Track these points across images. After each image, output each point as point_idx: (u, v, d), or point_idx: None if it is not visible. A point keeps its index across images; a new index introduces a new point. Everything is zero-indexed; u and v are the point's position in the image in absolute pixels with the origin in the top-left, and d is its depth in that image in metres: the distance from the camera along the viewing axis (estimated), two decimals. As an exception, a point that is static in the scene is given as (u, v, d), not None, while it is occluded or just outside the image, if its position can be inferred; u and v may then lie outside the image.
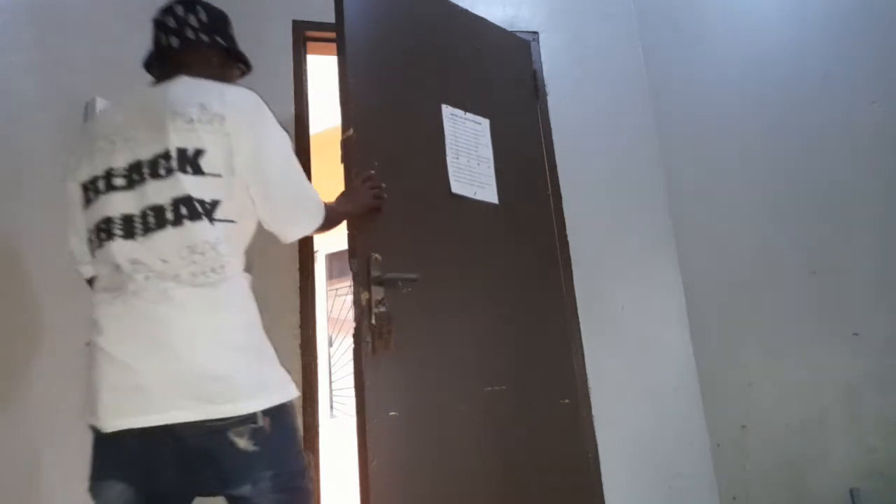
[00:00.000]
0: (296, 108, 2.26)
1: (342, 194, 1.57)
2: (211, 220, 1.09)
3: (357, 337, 1.55)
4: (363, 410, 1.49)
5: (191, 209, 1.07)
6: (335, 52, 2.51)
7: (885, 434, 2.09)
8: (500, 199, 2.03)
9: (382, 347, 1.53)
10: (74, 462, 1.13)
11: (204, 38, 1.32)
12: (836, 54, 2.38)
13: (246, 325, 1.13)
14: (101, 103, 1.79)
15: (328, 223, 1.39)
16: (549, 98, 2.50)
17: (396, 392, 1.59)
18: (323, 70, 2.51)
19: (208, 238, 1.08)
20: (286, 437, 1.12)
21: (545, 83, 2.51)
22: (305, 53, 2.36)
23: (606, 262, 2.41)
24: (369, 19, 1.84)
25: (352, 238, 1.61)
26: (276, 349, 2.05)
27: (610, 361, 2.29)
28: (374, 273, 1.55)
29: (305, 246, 2.12)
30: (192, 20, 1.31)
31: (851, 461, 2.11)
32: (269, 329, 2.01)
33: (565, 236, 2.36)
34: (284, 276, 2.09)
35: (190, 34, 1.29)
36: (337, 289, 5.57)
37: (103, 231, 1.12)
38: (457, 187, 1.91)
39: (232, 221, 1.13)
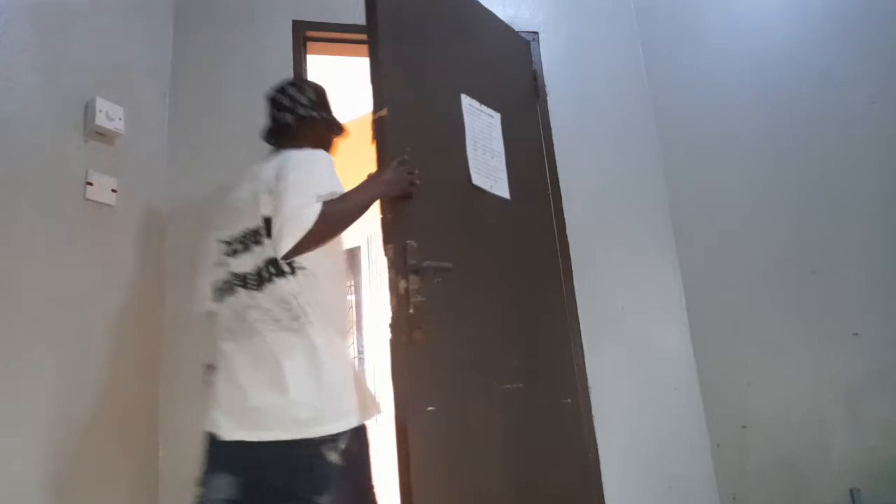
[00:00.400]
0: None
1: (371, 176, 1.51)
2: (290, 273, 1.35)
3: (395, 328, 1.45)
4: (403, 406, 1.40)
5: (277, 268, 1.36)
6: (335, 51, 2.53)
7: (886, 434, 2.08)
8: (511, 194, 2.00)
9: (422, 339, 1.44)
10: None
11: (314, 114, 1.59)
12: (836, 54, 2.37)
13: (329, 365, 1.34)
14: (101, 103, 1.79)
15: (350, 212, 1.36)
16: (549, 98, 2.50)
17: (433, 387, 1.50)
18: (323, 70, 2.52)
19: (292, 290, 1.35)
20: (364, 454, 1.40)
21: (545, 83, 2.51)
22: (305, 53, 2.36)
23: (606, 263, 2.41)
24: (397, 5, 1.78)
25: (386, 223, 1.52)
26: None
27: (610, 361, 2.29)
28: (411, 261, 1.47)
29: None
30: (303, 99, 1.59)
31: (851, 461, 2.11)
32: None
33: (565, 236, 2.36)
34: (284, 275, 2.08)
35: (301, 111, 1.57)
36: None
37: (231, 283, 1.44)
38: (476, 179, 1.86)
39: (304, 268, 1.36)
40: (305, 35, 2.36)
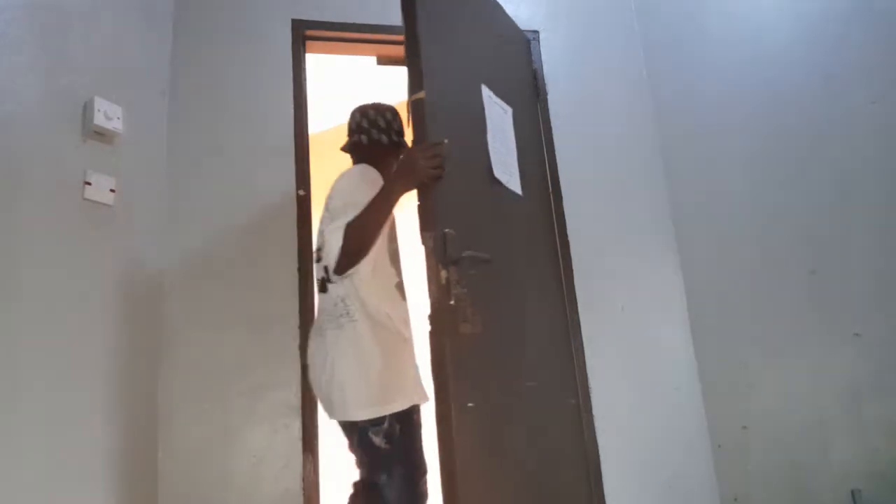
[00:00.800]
0: (295, 107, 2.26)
1: (398, 165, 1.49)
2: (339, 278, 1.50)
3: (435, 319, 1.38)
4: (445, 401, 1.33)
5: (329, 275, 1.50)
6: (335, 50, 2.53)
7: (887, 435, 2.08)
8: (522, 191, 1.94)
9: (467, 331, 1.38)
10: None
11: (384, 138, 1.71)
12: (836, 54, 2.37)
13: (370, 356, 1.49)
14: (99, 103, 1.79)
15: (371, 221, 1.44)
16: (549, 98, 2.50)
17: (472, 381, 1.44)
18: (323, 70, 2.52)
19: (339, 293, 1.52)
20: (410, 439, 1.51)
21: (545, 82, 2.51)
22: (304, 52, 2.36)
23: (606, 262, 2.41)
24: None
25: (424, 210, 1.45)
26: (276, 350, 2.06)
27: (610, 362, 2.29)
28: (450, 250, 1.40)
29: (305, 246, 2.12)
30: (381, 122, 1.71)
31: (853, 462, 2.11)
32: (270, 330, 2.03)
33: (566, 236, 2.36)
34: (284, 277, 2.08)
35: (375, 134, 1.70)
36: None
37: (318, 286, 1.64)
38: (497, 171, 1.79)
39: (348, 273, 1.48)
40: (304, 34, 2.36)
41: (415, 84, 1.52)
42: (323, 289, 1.58)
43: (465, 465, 1.33)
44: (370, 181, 1.52)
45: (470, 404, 1.40)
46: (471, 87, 1.81)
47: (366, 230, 1.42)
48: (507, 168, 1.88)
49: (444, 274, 1.39)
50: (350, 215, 1.42)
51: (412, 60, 1.55)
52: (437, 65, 1.62)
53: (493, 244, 1.65)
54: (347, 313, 1.50)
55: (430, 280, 1.41)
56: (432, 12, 1.67)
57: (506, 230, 1.81)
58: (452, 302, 1.38)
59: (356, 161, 1.70)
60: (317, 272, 1.61)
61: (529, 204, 2.02)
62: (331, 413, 1.53)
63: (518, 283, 1.83)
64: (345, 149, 1.77)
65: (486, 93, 1.86)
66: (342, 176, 1.57)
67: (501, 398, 1.59)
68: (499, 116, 1.92)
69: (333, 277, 1.49)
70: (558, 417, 1.93)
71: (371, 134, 1.70)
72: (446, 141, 1.46)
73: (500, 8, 2.20)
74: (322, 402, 1.57)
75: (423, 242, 1.44)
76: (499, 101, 1.93)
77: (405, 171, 1.44)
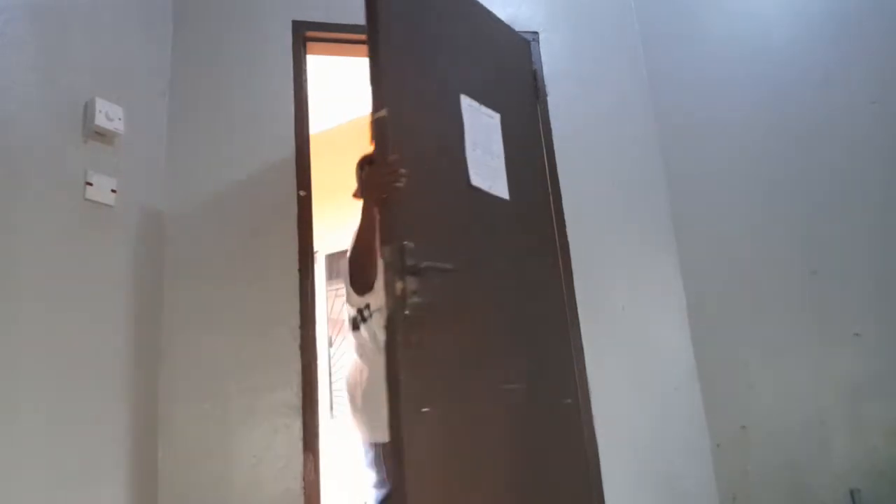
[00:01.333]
0: (295, 108, 2.26)
1: (362, 185, 1.67)
2: (363, 321, 1.73)
3: (390, 329, 1.46)
4: (397, 407, 1.41)
5: (360, 315, 1.75)
6: (335, 51, 2.53)
7: (886, 434, 2.08)
8: (510, 195, 1.98)
9: (417, 341, 1.44)
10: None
11: None
12: (836, 54, 2.37)
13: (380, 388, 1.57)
14: (100, 103, 1.79)
15: (357, 244, 1.64)
16: (549, 98, 2.50)
17: (429, 388, 1.51)
18: (323, 70, 2.52)
19: (367, 333, 1.74)
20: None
21: (545, 83, 2.51)
22: (305, 53, 2.36)
23: (606, 263, 2.41)
24: (395, 7, 1.77)
25: (382, 224, 1.53)
26: (276, 350, 2.06)
27: (610, 361, 2.29)
28: (409, 262, 1.46)
29: (305, 246, 2.12)
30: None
31: (852, 461, 2.11)
32: (270, 330, 2.03)
33: (565, 236, 2.36)
34: (284, 276, 2.09)
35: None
36: (337, 289, 5.56)
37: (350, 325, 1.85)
38: (475, 179, 1.85)
39: (372, 315, 1.71)
40: (305, 35, 2.36)
41: (377, 102, 1.59)
42: (356, 327, 1.77)
43: (419, 465, 1.41)
44: None
45: (424, 409, 1.46)
46: (446, 97, 1.87)
47: (357, 249, 1.63)
48: (489, 174, 1.92)
49: (399, 285, 1.45)
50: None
51: (374, 78, 1.62)
52: (404, 81, 1.71)
53: (465, 252, 1.73)
54: (371, 352, 1.69)
55: (387, 292, 1.48)
56: (398, 27, 1.73)
57: (484, 237, 1.86)
58: (408, 312, 1.44)
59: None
60: (347, 314, 1.83)
61: (520, 207, 2.04)
62: (371, 435, 1.67)
63: (498, 288, 1.86)
64: (356, 195, 1.89)
65: (466, 102, 1.91)
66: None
67: (472, 401, 1.65)
68: (482, 124, 1.96)
69: (363, 315, 1.72)
70: (552, 418, 1.93)
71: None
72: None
73: (490, 14, 2.21)
74: (360, 424, 1.73)
75: (381, 255, 1.53)
76: (483, 109, 1.98)
77: (367, 189, 1.60)
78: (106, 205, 1.81)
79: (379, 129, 1.58)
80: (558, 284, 2.22)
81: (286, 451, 1.96)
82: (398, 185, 1.48)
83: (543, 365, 1.96)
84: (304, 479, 1.94)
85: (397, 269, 1.46)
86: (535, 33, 2.60)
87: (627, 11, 2.79)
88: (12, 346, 1.47)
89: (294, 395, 1.99)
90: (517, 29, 2.50)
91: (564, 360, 2.12)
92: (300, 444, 1.96)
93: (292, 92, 2.27)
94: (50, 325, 1.59)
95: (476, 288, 1.76)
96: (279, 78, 2.28)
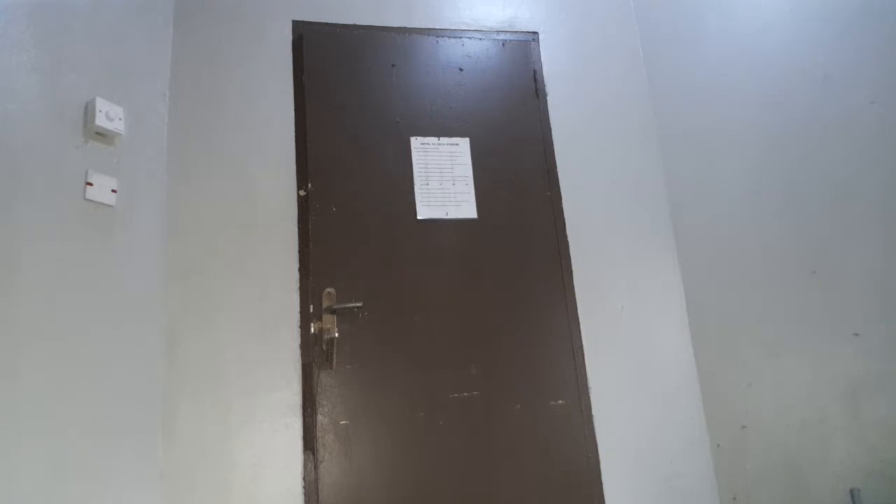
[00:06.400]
0: (296, 108, 2.26)
1: None
2: None
3: (306, 360, 1.89)
4: (313, 422, 1.82)
5: None
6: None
7: (886, 434, 2.08)
8: (478, 212, 2.19)
9: (328, 367, 1.87)
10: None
11: None
12: (836, 54, 2.38)
13: None
14: (100, 103, 1.79)
15: None
16: (549, 98, 2.50)
17: (347, 404, 1.89)
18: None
19: None
20: None
21: (545, 83, 2.51)
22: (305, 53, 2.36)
23: (606, 263, 2.41)
24: (329, 72, 2.09)
25: (305, 277, 1.95)
26: (276, 349, 2.07)
27: (610, 361, 2.29)
28: (325, 304, 1.90)
29: (305, 246, 2.12)
30: None
31: (852, 461, 2.11)
32: (270, 330, 2.03)
33: (565, 236, 2.36)
34: (284, 276, 2.09)
35: None
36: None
37: None
38: (424, 212, 2.10)
39: None
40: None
41: (301, 180, 2.04)
42: None
43: (332, 472, 1.83)
44: None
45: (343, 422, 1.88)
46: (390, 145, 2.17)
47: None
48: (448, 200, 2.16)
49: (317, 325, 1.94)
50: None
51: (298, 158, 2.09)
52: (333, 151, 2.11)
53: (397, 284, 2.06)
54: None
55: (304, 332, 1.94)
56: (327, 98, 2.14)
57: (427, 263, 2.12)
58: (324, 346, 1.90)
59: None
60: None
61: (490, 220, 2.23)
62: None
63: (442, 309, 2.10)
64: None
65: (418, 142, 2.17)
66: None
67: (403, 412, 1.94)
68: (441, 156, 2.20)
69: None
70: (531, 420, 2.05)
71: None
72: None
73: (459, 34, 2.38)
74: None
75: (301, 300, 1.97)
76: (442, 140, 2.21)
77: None
78: (106, 205, 1.81)
79: (306, 204, 1.99)
80: (558, 285, 2.22)
81: (286, 451, 1.96)
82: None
83: (521, 370, 2.08)
84: (304, 479, 1.94)
85: (315, 313, 1.89)
86: (535, 33, 2.60)
87: (627, 12, 2.79)
88: (12, 346, 1.47)
89: (294, 395, 2.00)
90: (517, 29, 2.50)
91: (556, 361, 2.13)
92: (300, 444, 1.97)
93: (292, 92, 2.28)
94: (50, 324, 1.59)
95: (400, 315, 2.04)
96: (279, 78, 2.29)
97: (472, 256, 2.14)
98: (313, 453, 1.97)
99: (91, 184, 1.76)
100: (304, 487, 1.93)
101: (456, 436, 1.94)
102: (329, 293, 1.91)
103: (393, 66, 2.18)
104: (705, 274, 2.45)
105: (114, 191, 1.83)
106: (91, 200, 1.76)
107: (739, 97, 2.51)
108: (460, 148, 2.19)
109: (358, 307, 1.95)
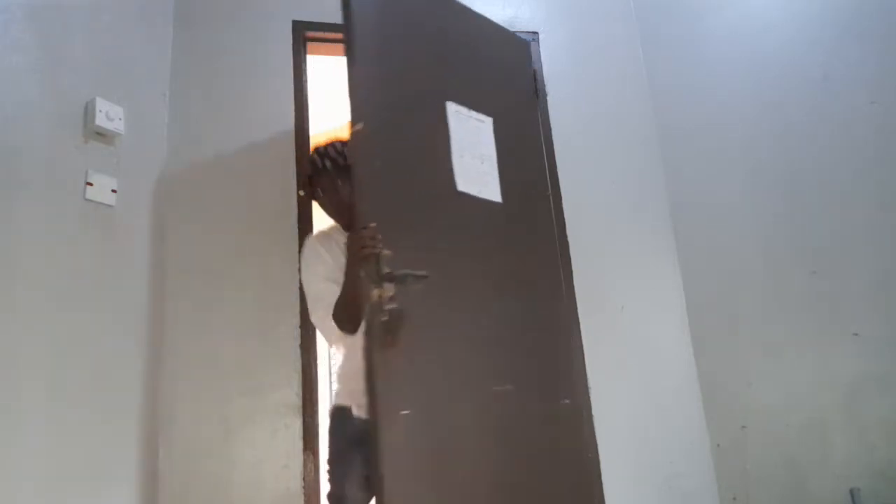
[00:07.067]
0: (296, 108, 2.26)
1: (348, 250, 1.64)
2: None
3: (368, 334, 1.52)
4: (375, 410, 1.46)
5: None
6: (335, 52, 2.52)
7: (886, 434, 2.08)
8: (502, 198, 2.00)
9: (392, 345, 1.50)
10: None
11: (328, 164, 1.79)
12: (836, 54, 2.38)
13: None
14: (101, 103, 1.79)
15: (346, 305, 1.58)
16: (549, 98, 2.50)
17: (407, 390, 1.56)
18: (323, 70, 2.52)
19: None
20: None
21: (545, 83, 2.51)
22: (305, 53, 2.36)
23: (606, 263, 2.41)
24: (375, 16, 1.81)
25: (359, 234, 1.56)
26: (276, 350, 2.06)
27: (610, 362, 2.29)
28: (385, 269, 1.52)
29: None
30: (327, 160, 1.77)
31: (852, 461, 2.11)
32: (270, 330, 2.03)
33: (565, 236, 2.36)
34: (284, 276, 2.08)
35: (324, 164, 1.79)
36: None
37: None
38: (461, 184, 1.86)
39: None
40: (305, 35, 2.36)
41: (354, 115, 1.63)
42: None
43: (397, 468, 1.45)
44: (308, 265, 1.72)
45: (404, 412, 1.50)
46: (430, 106, 1.90)
47: (345, 308, 1.59)
48: (479, 178, 1.93)
49: (376, 292, 1.51)
50: (318, 308, 1.65)
51: (352, 91, 1.65)
52: (382, 91, 1.75)
53: (449, 258, 1.76)
54: None
55: (365, 299, 1.53)
56: (375, 38, 1.77)
57: (471, 241, 1.88)
58: (385, 318, 1.50)
59: (316, 194, 1.84)
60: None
61: (515, 209, 2.06)
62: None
63: (485, 292, 1.88)
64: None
65: (453, 108, 1.92)
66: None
67: (455, 403, 1.67)
68: (471, 129, 1.98)
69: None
70: (546, 419, 1.94)
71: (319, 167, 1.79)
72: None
73: (482, 19, 2.22)
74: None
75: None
76: (473, 114, 1.99)
77: (350, 256, 1.60)
78: (106, 205, 1.81)
79: (355, 143, 1.62)
80: (558, 285, 2.22)
81: (286, 451, 1.96)
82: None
83: (537, 366, 1.97)
84: (304, 479, 1.94)
85: (374, 277, 1.51)
86: (535, 33, 2.60)
87: (627, 12, 2.79)
88: (13, 346, 1.47)
89: (294, 395, 2.00)
90: (517, 29, 2.50)
91: (562, 360, 2.11)
92: (300, 444, 1.96)
93: (292, 92, 2.27)
94: (50, 325, 1.59)
95: (456, 293, 1.78)
96: (279, 78, 2.28)
97: (497, 241, 1.97)
98: (313, 453, 1.97)
99: (91, 184, 1.76)
100: (304, 487, 1.93)
101: (495, 431, 1.76)
102: (387, 255, 1.54)
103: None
104: (705, 274, 2.45)
105: (114, 191, 1.83)
106: (91, 200, 1.76)
107: (739, 97, 2.51)
108: (486, 126, 2.02)
109: (422, 277, 1.59)
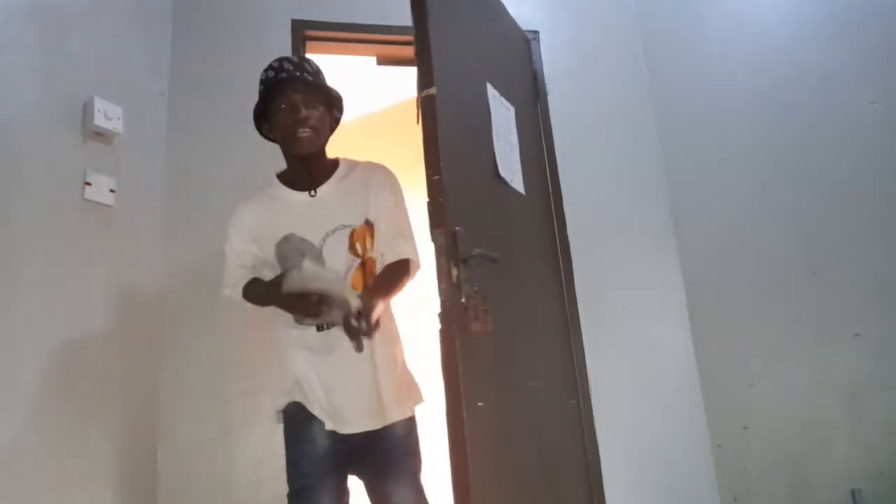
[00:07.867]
0: (295, 108, 2.25)
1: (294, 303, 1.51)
2: None
3: (446, 318, 1.32)
4: (458, 400, 1.27)
5: None
6: (334, 50, 2.52)
7: (886, 434, 2.08)
8: (525, 190, 1.91)
9: (479, 330, 1.35)
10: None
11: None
12: (836, 54, 2.37)
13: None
14: (99, 103, 1.79)
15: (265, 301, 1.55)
16: (549, 98, 2.50)
17: (481, 381, 1.40)
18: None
19: None
20: None
21: (545, 83, 2.51)
22: (304, 52, 2.36)
23: (607, 263, 2.40)
24: None
25: (434, 207, 1.39)
26: (276, 350, 2.05)
27: (611, 362, 2.28)
28: (461, 248, 1.35)
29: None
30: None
31: (852, 461, 2.11)
32: (270, 329, 2.02)
33: (566, 236, 2.35)
34: (284, 276, 2.08)
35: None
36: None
37: None
38: (501, 170, 1.75)
39: None
40: (305, 34, 2.35)
41: (425, 80, 1.47)
42: None
43: (476, 466, 1.28)
44: (228, 235, 1.56)
45: (480, 403, 1.34)
46: (477, 85, 1.78)
47: (263, 302, 1.57)
48: (510, 167, 1.85)
49: (455, 272, 1.34)
50: (227, 284, 1.55)
51: (422, 56, 1.50)
52: (447, 61, 1.57)
53: (499, 243, 1.60)
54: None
55: (441, 278, 1.34)
56: (442, 8, 1.63)
57: (510, 229, 1.79)
58: (464, 300, 1.33)
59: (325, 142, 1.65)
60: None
61: (531, 203, 2.01)
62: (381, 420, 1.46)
63: (523, 283, 1.80)
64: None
65: (492, 91, 1.84)
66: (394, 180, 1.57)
67: (509, 398, 1.56)
68: (503, 115, 1.89)
69: None
70: (560, 418, 1.92)
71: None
72: (319, 297, 1.41)
73: (502, 7, 2.19)
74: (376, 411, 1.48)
75: (433, 240, 1.38)
76: (503, 100, 1.91)
77: (298, 307, 1.50)
78: (105, 205, 1.81)
79: (427, 107, 1.45)
80: (559, 285, 2.22)
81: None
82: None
83: (553, 365, 1.94)
84: (303, 480, 1.93)
85: (451, 255, 1.34)
86: (536, 32, 2.59)
87: (627, 11, 2.78)
88: (11, 345, 1.47)
89: (294, 395, 1.99)
90: (517, 28, 2.49)
91: (566, 359, 2.11)
92: (300, 445, 1.96)
93: (292, 92, 2.26)
94: (49, 324, 1.59)
95: (513, 280, 1.67)
96: (279, 77, 2.27)
97: (526, 233, 1.89)
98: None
99: (90, 184, 1.76)
100: (304, 488, 1.92)
101: (534, 427, 1.67)
102: (459, 232, 1.36)
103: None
104: (705, 274, 2.44)
105: (112, 191, 1.83)
106: (90, 200, 1.76)
107: (740, 97, 2.50)
108: (511, 115, 1.93)
109: (494, 259, 1.43)
